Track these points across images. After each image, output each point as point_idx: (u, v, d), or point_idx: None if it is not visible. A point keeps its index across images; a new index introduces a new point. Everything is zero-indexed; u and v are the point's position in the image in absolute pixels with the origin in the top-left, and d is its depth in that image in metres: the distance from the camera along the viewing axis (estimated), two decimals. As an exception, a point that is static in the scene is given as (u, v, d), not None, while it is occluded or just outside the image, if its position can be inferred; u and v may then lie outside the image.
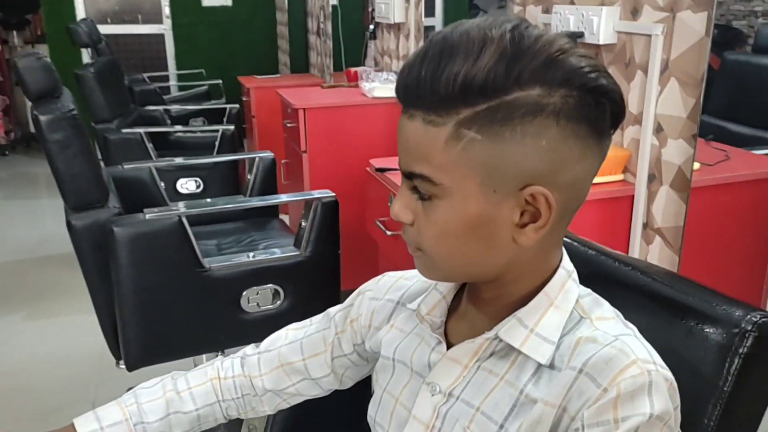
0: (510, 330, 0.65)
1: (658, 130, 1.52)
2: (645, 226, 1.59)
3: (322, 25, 4.03)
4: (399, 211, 0.64)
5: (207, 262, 1.76)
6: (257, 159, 2.43)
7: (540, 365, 0.63)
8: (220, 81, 4.75)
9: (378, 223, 1.84)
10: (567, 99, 0.57)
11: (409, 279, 0.82)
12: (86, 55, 4.74)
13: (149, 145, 3.10)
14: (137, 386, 0.88)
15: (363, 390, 0.88)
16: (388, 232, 1.76)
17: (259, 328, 1.81)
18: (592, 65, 0.58)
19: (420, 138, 0.59)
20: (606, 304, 0.68)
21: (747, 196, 1.68)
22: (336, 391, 0.90)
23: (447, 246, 0.62)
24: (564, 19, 1.74)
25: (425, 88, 0.57)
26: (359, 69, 3.05)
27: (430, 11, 2.84)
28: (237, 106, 3.92)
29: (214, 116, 3.95)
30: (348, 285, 2.30)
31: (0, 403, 2.27)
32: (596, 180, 0.78)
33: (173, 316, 1.76)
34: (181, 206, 1.76)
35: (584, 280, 0.69)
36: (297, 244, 1.88)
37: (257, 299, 1.81)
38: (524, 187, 0.58)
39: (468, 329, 0.69)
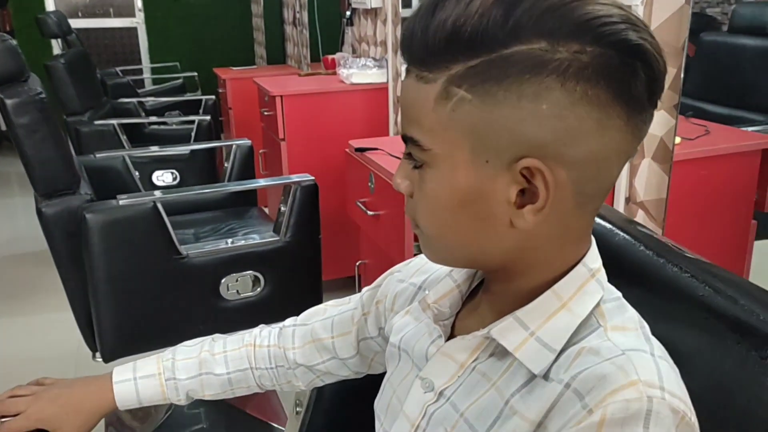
0: (505, 330, 0.57)
1: (639, 102, 1.51)
2: (627, 200, 1.58)
3: (298, 15, 3.98)
4: (398, 180, 0.58)
5: (184, 249, 1.72)
6: (234, 147, 2.39)
7: (533, 375, 0.54)
8: (196, 73, 4.68)
9: (359, 204, 1.81)
10: (578, 56, 0.47)
11: None
12: (57, 48, 4.64)
13: (123, 137, 3.03)
14: (181, 343, 0.89)
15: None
16: (369, 212, 1.74)
17: (239, 316, 1.79)
18: (620, 15, 0.48)
19: (412, 97, 0.53)
20: (631, 311, 0.57)
21: (728, 170, 1.68)
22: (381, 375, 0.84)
23: (438, 222, 0.56)
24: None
25: (417, 40, 0.52)
26: (337, 56, 3.01)
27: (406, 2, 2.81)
28: (213, 97, 3.87)
29: (189, 108, 3.90)
30: (329, 274, 2.30)
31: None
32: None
33: (150, 304, 1.72)
34: (156, 192, 1.72)
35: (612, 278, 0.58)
36: (276, 230, 1.85)
37: (237, 286, 1.78)
38: (520, 159, 0.50)
39: (476, 324, 0.61)
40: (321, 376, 0.87)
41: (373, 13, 2.94)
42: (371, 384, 0.79)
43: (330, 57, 3.15)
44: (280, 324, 0.90)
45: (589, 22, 0.47)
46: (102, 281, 1.63)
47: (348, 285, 2.37)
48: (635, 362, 0.50)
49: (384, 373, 0.76)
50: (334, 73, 2.91)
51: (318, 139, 2.64)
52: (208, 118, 3.17)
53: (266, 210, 2.76)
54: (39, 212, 1.65)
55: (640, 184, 1.54)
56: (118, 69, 4.63)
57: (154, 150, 2.50)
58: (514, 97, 0.48)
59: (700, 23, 1.98)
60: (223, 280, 1.75)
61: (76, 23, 4.80)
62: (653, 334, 0.56)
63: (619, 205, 1.58)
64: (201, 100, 3.85)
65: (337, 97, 2.65)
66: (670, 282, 0.67)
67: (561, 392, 0.51)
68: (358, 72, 2.69)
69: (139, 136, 3.28)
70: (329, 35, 3.65)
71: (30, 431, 0.80)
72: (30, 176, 1.67)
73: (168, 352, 0.87)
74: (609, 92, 0.48)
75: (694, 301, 0.63)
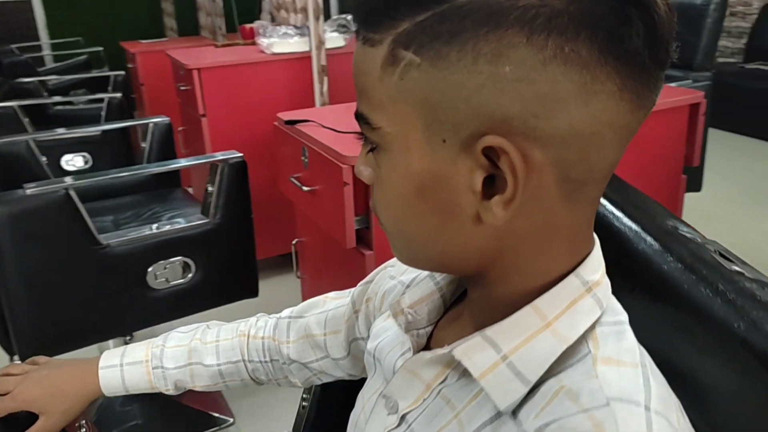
0: (471, 350, 0.46)
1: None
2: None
3: (209, -17, 3.77)
4: (360, 167, 0.49)
5: (104, 238, 1.59)
6: (151, 125, 2.24)
7: (499, 411, 0.44)
8: (101, 48, 4.39)
9: (293, 179, 1.72)
10: (550, 1, 0.37)
11: None
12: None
13: (25, 120, 2.79)
14: (176, 329, 0.83)
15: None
16: (305, 188, 1.66)
17: (170, 306, 1.69)
18: None
19: (359, 64, 0.44)
20: (631, 340, 0.45)
21: (660, 126, 1.71)
22: None
23: (394, 215, 0.46)
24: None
25: None
26: (255, 24, 2.87)
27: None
28: (122, 73, 3.63)
29: (97, 86, 3.64)
30: (265, 253, 2.20)
31: None
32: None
33: (70, 299, 1.59)
34: (67, 179, 1.57)
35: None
36: (205, 212, 1.75)
37: (165, 274, 1.67)
38: (481, 137, 0.40)
39: (454, 337, 0.49)
40: (317, 375, 0.79)
41: (291, -22, 2.80)
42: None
43: (248, 26, 3.01)
44: (278, 314, 0.82)
45: None
46: (13, 277, 1.49)
47: (285, 263, 2.29)
48: (619, 420, 0.39)
49: None
50: (254, 43, 2.77)
51: (241, 113, 2.52)
52: (118, 95, 2.96)
53: (191, 191, 2.62)
54: (-68, 207, 1.48)
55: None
56: (13, 46, 4.27)
57: (61, 132, 2.29)
58: (469, 58, 0.39)
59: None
60: (149, 269, 1.64)
61: (-41, -3, 4.38)
62: (671, 364, 0.46)
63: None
64: (109, 76, 3.60)
65: (259, 68, 2.52)
66: (703, 305, 0.54)
67: None
68: (279, 41, 2.57)
69: (42, 118, 3.04)
70: (244, 4, 3.48)
71: (15, 413, 0.76)
72: None
73: (160, 338, 0.81)
74: (593, 48, 0.38)
75: (728, 333, 0.51)
